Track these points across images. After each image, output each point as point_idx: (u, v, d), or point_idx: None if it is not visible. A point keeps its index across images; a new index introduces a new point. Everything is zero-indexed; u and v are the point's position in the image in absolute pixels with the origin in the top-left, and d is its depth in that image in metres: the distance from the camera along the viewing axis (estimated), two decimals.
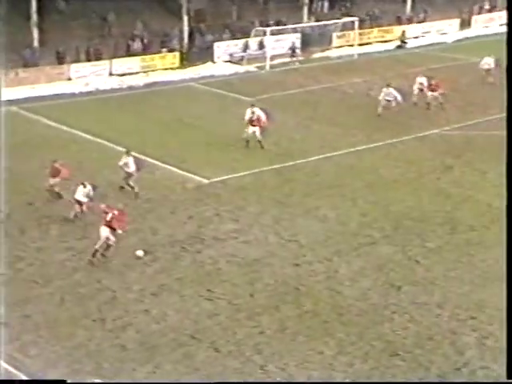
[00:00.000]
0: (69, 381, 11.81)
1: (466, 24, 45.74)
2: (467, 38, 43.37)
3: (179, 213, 18.92)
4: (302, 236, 17.78)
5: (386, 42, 41.77)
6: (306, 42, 39.19)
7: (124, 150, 20.35)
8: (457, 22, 45.26)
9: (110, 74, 32.91)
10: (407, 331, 13.96)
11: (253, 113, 23.28)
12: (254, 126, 23.22)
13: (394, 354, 13.18)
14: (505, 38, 42.14)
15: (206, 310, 14.66)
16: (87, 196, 18.09)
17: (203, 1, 39.32)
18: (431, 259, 16.63)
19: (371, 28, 42.19)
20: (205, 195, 20.09)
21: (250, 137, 23.23)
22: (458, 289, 15.39)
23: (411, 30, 43.13)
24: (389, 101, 26.28)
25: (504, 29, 44.75)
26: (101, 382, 12.23)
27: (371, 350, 13.35)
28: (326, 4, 44.21)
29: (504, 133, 24.27)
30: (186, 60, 35.12)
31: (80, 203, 18.06)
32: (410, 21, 44.30)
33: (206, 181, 20.99)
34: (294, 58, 36.47)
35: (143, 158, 22.12)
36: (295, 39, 38.59)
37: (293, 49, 37.12)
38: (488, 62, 31.10)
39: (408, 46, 41.33)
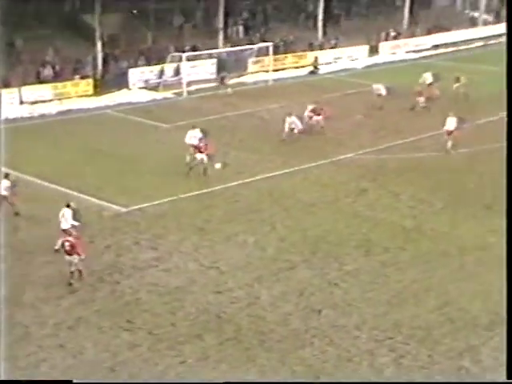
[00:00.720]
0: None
1: (374, 50, 47.49)
2: (376, 64, 44.97)
3: (96, 242, 18.54)
4: (222, 262, 17.77)
5: (299, 67, 42.72)
6: (222, 68, 39.51)
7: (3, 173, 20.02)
8: (366, 48, 46.89)
9: (21, 103, 32.02)
10: (327, 354, 14.14)
11: (200, 139, 23.37)
12: (201, 152, 23.18)
13: (315, 378, 13.28)
14: (410, 64, 44.45)
15: (125, 342, 14.36)
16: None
17: (117, 26, 39.01)
18: (349, 282, 16.95)
19: (285, 54, 43.07)
20: (123, 224, 19.78)
21: (194, 163, 23.10)
22: (374, 310, 15.73)
23: (323, 56, 44.30)
24: (292, 129, 27.11)
25: (410, 56, 47.29)
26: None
27: (293, 375, 13.42)
28: (241, 29, 44.83)
29: (415, 155, 25.64)
30: (100, 87, 34.63)
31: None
32: (322, 47, 45.55)
33: (123, 209, 20.69)
34: (223, 86, 36.45)
35: (57, 188, 21.60)
36: (220, 66, 38.89)
37: (222, 77, 37.10)
38: (378, 88, 32.28)
39: (320, 71, 42.41)
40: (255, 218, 20.46)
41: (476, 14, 56.85)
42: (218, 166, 20.65)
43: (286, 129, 27.02)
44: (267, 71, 39.84)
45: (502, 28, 55.17)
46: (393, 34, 49.60)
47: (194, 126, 24.42)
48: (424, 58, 47.01)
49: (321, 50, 45.07)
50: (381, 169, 24.79)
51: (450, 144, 25.95)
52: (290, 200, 21.81)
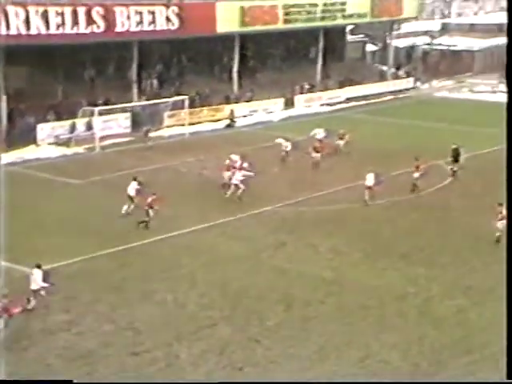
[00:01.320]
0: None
1: (289, 103, 48.71)
2: (291, 117, 46.07)
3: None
4: (139, 322, 17.33)
5: (216, 120, 43.20)
6: (137, 122, 39.36)
7: None
8: (281, 101, 48.04)
9: None
10: None
11: (138, 191, 24.44)
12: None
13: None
14: (325, 116, 45.89)
15: None
16: None
17: (23, 79, 38.19)
18: (270, 338, 16.87)
19: (201, 107, 43.49)
20: None
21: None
22: (296, 366, 15.67)
23: (239, 108, 45.03)
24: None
25: (324, 108, 48.78)
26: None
27: None
28: (156, 82, 44.95)
29: (331, 207, 26.17)
30: (5, 143, 33.63)
31: None
32: (238, 100, 46.31)
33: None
34: (147, 139, 36.19)
35: None
36: (135, 120, 38.70)
37: (146, 130, 36.84)
38: (285, 145, 33.00)
39: (237, 124, 43.01)
40: (174, 275, 20.17)
41: (385, 68, 59.52)
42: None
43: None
44: (183, 125, 40.04)
45: (409, 82, 58.28)
46: (307, 86, 51.12)
47: (135, 178, 25.38)
48: (337, 110, 48.61)
49: (237, 102, 45.82)
50: (299, 221, 25.11)
51: (367, 196, 26.67)
52: (209, 255, 21.67)
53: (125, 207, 24.70)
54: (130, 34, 39.37)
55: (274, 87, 48.18)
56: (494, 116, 44.54)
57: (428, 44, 67.95)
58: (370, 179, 26.91)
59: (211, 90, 45.61)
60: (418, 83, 59.47)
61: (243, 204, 26.33)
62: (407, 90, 57.25)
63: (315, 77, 52.83)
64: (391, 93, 55.08)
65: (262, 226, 24.51)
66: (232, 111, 43.86)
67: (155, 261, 21.28)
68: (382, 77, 57.86)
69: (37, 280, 17.67)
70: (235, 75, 47.36)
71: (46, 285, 17.67)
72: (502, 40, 69.92)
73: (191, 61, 47.94)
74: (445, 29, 71.69)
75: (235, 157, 29.02)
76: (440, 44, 67.89)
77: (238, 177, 27.01)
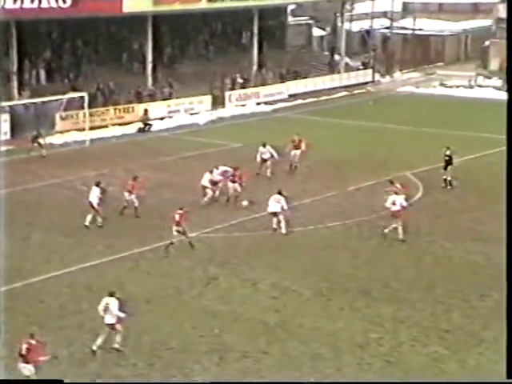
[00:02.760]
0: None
1: (219, 102, 48.85)
2: (222, 119, 46.26)
3: None
4: None
5: (125, 124, 42.90)
6: (19, 125, 38.17)
7: None
8: (208, 99, 48.15)
9: None
10: None
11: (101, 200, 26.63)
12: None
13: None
14: (263, 118, 46.28)
15: None
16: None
17: None
18: None
19: (106, 107, 43.09)
20: None
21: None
22: None
23: (155, 108, 44.89)
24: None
25: (261, 108, 49.19)
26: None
27: None
28: (43, 74, 44.00)
29: (273, 233, 26.23)
30: None
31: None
32: (152, 97, 46.09)
33: None
34: (37, 147, 35.38)
35: None
36: (16, 123, 37.68)
37: (35, 136, 35.93)
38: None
39: (152, 129, 42.80)
40: (69, 324, 19.75)
41: (336, 58, 60.46)
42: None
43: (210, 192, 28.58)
44: (82, 129, 39.50)
45: (366, 75, 59.30)
46: (240, 80, 51.44)
47: (97, 183, 27.21)
48: (279, 110, 49.12)
49: (152, 101, 45.69)
50: (233, 250, 25.08)
51: (275, 224, 26.59)
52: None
53: (88, 217, 26.47)
54: (5, 13, 38.29)
55: (198, 81, 48.23)
56: (472, 117, 46.05)
57: (388, 28, 69.44)
58: (272, 205, 26.63)
59: (117, 84, 45.16)
60: (378, 76, 60.67)
61: (162, 230, 26.14)
62: (364, 84, 58.32)
63: (250, 68, 53.25)
64: (345, 88, 56.02)
65: (186, 257, 24.37)
66: (146, 112, 43.66)
67: (45, 305, 20.86)
68: (333, 68, 58.76)
69: (112, 311, 18.48)
70: (149, 66, 47.14)
71: (122, 315, 18.52)
72: (478, 22, 72.54)
73: (90, 47, 47.34)
74: (407, 9, 73.52)
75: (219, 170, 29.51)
76: (402, 28, 69.55)
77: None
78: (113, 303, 18.63)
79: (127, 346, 18.65)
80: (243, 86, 51.25)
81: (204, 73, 49.46)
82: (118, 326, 18.55)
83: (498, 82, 56.19)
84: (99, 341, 18.43)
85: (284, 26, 60.36)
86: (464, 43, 72.22)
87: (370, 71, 60.01)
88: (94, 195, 26.85)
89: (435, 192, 30.38)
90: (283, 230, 26.53)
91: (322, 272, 23.33)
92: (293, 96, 52.54)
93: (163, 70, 48.65)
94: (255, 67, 53.50)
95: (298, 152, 33.84)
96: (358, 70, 59.90)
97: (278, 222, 26.58)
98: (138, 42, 48.32)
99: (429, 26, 70.57)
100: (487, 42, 62.76)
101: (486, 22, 68.84)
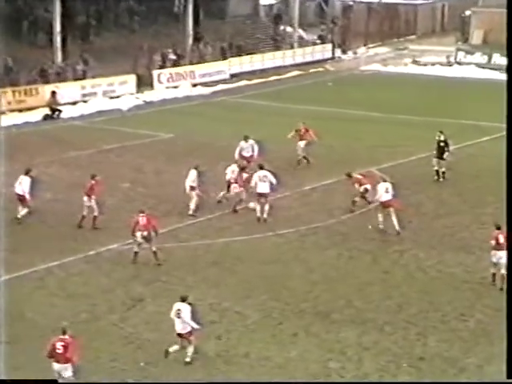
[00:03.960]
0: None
1: (146, 83, 48.65)
2: (150, 104, 46.02)
3: None
4: None
5: (27, 110, 42.44)
6: None
7: None
8: (133, 79, 47.93)
9: None
10: None
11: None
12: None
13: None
14: (200, 102, 46.26)
15: None
16: None
17: None
18: None
19: (2, 88, 42.47)
20: None
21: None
22: None
23: (66, 90, 44.44)
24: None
25: (199, 90, 49.21)
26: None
27: None
28: None
29: (213, 241, 26.17)
30: None
31: None
32: (62, 77, 45.64)
33: None
34: None
35: None
36: None
37: None
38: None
39: (62, 115, 42.41)
40: None
41: (288, 30, 60.71)
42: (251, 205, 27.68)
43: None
44: None
45: (325, 51, 59.62)
46: (172, 57, 51.36)
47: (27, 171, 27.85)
48: (220, 93, 49.12)
49: (61, 81, 45.26)
50: (164, 263, 24.94)
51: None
52: (18, 323, 21.03)
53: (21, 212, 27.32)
54: None
55: (119, 57, 47.96)
56: (451, 100, 46.56)
57: None
58: (261, 185, 27.94)
59: (17, 60, 44.57)
60: (338, 52, 61.07)
61: (75, 240, 25.90)
62: (322, 62, 58.64)
63: (184, 42, 53.18)
64: (299, 67, 56.24)
65: (104, 275, 24.19)
66: (53, 94, 43.24)
67: None
68: (285, 43, 59.00)
69: (185, 319, 19.40)
70: (57, 38, 46.58)
71: (195, 325, 19.46)
72: None
73: None
74: None
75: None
76: None
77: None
78: (185, 310, 19.47)
79: None
80: (176, 64, 51.17)
81: (127, 47, 49.27)
82: (192, 338, 19.41)
83: (481, 58, 57.02)
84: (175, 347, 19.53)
85: None
86: (440, 13, 73.12)
87: (328, 46, 60.43)
88: (26, 185, 27.42)
89: (406, 192, 30.59)
90: (265, 215, 27.93)
91: (270, 290, 23.29)
92: (236, 76, 52.63)
93: (75, 43, 48.25)
94: (190, 41, 53.44)
95: (302, 143, 34.10)
96: (315, 44, 60.20)
97: (263, 206, 27.76)
98: (43, 8, 47.79)
99: None
100: (468, 12, 63.60)
101: None
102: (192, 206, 28.72)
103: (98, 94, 46.11)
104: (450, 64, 57.60)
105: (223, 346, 20.39)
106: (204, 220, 28.37)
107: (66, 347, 17.78)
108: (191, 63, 52.03)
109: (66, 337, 17.96)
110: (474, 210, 29.37)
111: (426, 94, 48.46)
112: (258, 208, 28.27)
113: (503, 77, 53.34)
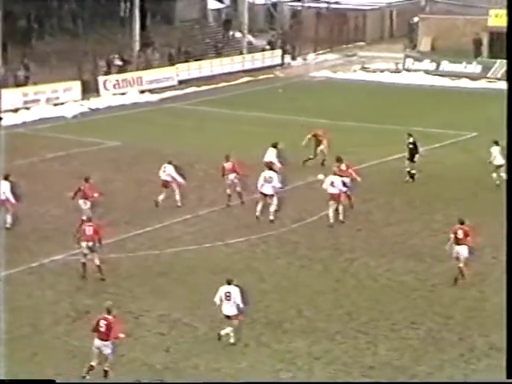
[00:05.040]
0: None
1: (91, 89, 48.38)
2: (96, 111, 45.77)
3: None
4: None
5: None
6: None
7: None
8: (77, 85, 47.64)
9: None
10: None
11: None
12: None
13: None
14: (148, 109, 46.02)
15: None
16: None
17: None
18: None
19: None
20: None
21: None
22: None
23: (6, 97, 43.91)
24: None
25: (146, 97, 49.09)
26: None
27: None
28: None
29: (163, 251, 26.08)
30: None
31: None
32: (2, 83, 45.07)
33: None
34: None
35: None
36: None
37: None
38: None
39: (3, 123, 41.91)
40: None
41: (238, 35, 60.83)
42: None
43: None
44: None
45: (275, 57, 59.79)
46: (118, 62, 51.13)
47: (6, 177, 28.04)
48: (168, 100, 49.03)
49: (1, 87, 44.63)
50: (110, 275, 24.80)
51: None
52: None
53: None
54: None
55: (63, 63, 47.61)
56: (400, 107, 46.93)
57: (298, 0, 70.30)
58: (265, 186, 28.97)
59: None
60: (288, 58, 61.27)
61: (14, 252, 25.60)
62: (272, 68, 58.78)
63: (130, 47, 52.97)
64: (248, 73, 56.34)
65: (49, 286, 24.01)
66: None
67: None
68: (234, 48, 59.07)
69: (236, 300, 20.87)
70: None
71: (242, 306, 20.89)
72: None
73: None
74: None
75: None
76: (316, 1, 70.51)
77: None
78: (234, 292, 20.85)
79: None
80: (122, 70, 50.96)
81: (71, 52, 48.89)
82: (241, 317, 20.90)
83: (429, 65, 57.56)
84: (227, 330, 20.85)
85: None
86: (389, 19, 73.69)
87: (278, 52, 60.58)
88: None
89: (357, 200, 30.79)
90: (271, 217, 28.80)
91: (208, 304, 23.22)
92: (184, 82, 52.58)
93: (16, 48, 47.74)
94: (137, 46, 53.24)
95: (322, 147, 34.72)
96: (264, 50, 60.33)
97: (264, 206, 28.75)
98: None
99: None
100: (416, 19, 64.22)
101: None
102: (178, 197, 29.81)
103: (42, 101, 45.76)
104: (398, 71, 58.06)
105: (172, 358, 20.33)
106: (152, 230, 28.29)
107: (108, 326, 19.07)
108: (138, 69, 51.87)
109: (110, 316, 19.23)
110: (424, 216, 29.63)
111: (375, 100, 48.81)
112: (259, 208, 29.04)
113: (452, 83, 54.57)
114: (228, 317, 20.87)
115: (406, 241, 27.70)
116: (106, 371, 19.26)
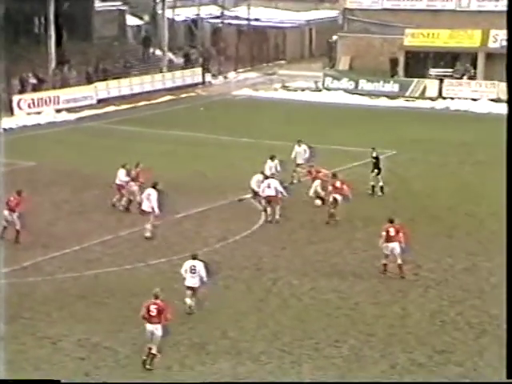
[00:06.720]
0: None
1: (4, 108, 47.66)
2: (9, 131, 44.90)
3: None
4: None
5: None
6: None
7: None
8: None
9: None
10: None
11: None
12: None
13: None
14: (66, 129, 45.37)
15: None
16: None
17: None
18: None
19: None
20: None
21: None
22: None
23: None
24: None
25: (64, 116, 48.62)
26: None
27: None
28: None
29: (83, 273, 25.78)
30: None
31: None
32: None
33: None
34: None
35: None
36: None
37: None
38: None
39: None
40: None
41: (157, 53, 60.73)
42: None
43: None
44: None
45: (195, 75, 59.73)
46: (33, 81, 50.56)
47: None
48: (85, 119, 48.68)
49: None
50: (26, 300, 24.49)
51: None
52: None
53: None
54: None
55: None
56: (320, 126, 47.19)
57: (218, 17, 70.50)
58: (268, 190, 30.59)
59: None
60: (209, 76, 61.32)
61: None
62: (193, 86, 58.77)
63: (46, 65, 52.40)
64: (169, 91, 56.24)
65: None
66: None
67: None
68: (154, 66, 58.92)
69: (201, 273, 23.24)
70: None
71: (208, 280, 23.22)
72: (325, 13, 74.67)
73: None
74: None
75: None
76: (236, 17, 70.79)
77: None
78: (199, 265, 23.21)
79: None
80: (37, 89, 50.41)
81: None
82: (203, 289, 23.34)
83: (348, 83, 58.09)
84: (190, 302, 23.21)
85: (90, 11, 60.01)
86: (308, 37, 74.28)
87: (198, 70, 60.57)
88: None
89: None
90: (276, 216, 30.48)
91: (143, 323, 23.10)
92: (103, 101, 52.26)
93: None
94: (53, 64, 52.69)
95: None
96: (185, 68, 60.30)
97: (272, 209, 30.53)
98: None
99: (266, 15, 72.20)
100: (334, 37, 64.85)
101: (331, 13, 71.29)
102: (123, 203, 31.19)
103: None
104: (318, 89, 58.46)
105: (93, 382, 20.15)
106: (70, 252, 27.97)
107: (159, 310, 20.64)
108: (54, 88, 51.34)
109: (158, 301, 20.76)
110: (345, 235, 29.84)
111: (296, 119, 48.97)
112: (268, 212, 30.68)
113: (370, 102, 55.12)
114: (192, 288, 23.23)
115: (329, 259, 27.84)
116: (153, 355, 20.59)
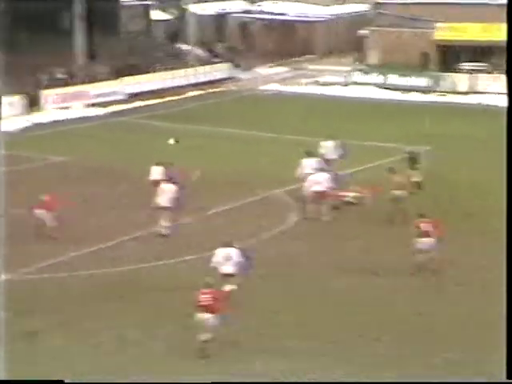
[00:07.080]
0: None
1: (34, 103, 47.77)
2: (39, 126, 45.09)
3: None
4: None
5: None
6: None
7: None
8: (19, 99, 46.93)
9: None
10: None
11: None
12: None
13: None
14: (96, 124, 45.31)
15: None
16: None
17: None
18: None
19: None
20: None
21: None
22: None
23: None
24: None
25: (93, 111, 48.60)
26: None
27: None
28: None
29: (105, 270, 25.67)
30: None
31: None
32: None
33: None
34: None
35: None
36: None
37: None
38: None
39: None
40: None
41: (184, 48, 60.59)
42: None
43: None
44: None
45: (223, 70, 59.56)
46: (61, 76, 50.53)
47: None
48: (116, 114, 48.69)
49: None
50: (61, 295, 24.44)
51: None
52: None
53: None
54: None
55: (3, 77, 46.79)
56: (351, 121, 46.87)
57: (246, 12, 70.28)
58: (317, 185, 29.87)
59: None
60: (237, 71, 61.10)
61: None
62: (221, 81, 58.60)
63: (74, 60, 52.38)
64: (196, 86, 56.08)
65: None
66: None
67: None
68: (181, 61, 58.80)
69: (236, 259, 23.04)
70: None
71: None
72: (353, 7, 74.21)
73: None
74: None
75: None
76: (263, 12, 70.55)
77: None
78: (234, 252, 22.97)
79: None
80: (66, 84, 50.42)
81: (12, 66, 48.03)
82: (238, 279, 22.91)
83: (377, 78, 57.76)
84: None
85: (117, 6, 60.00)
86: (337, 32, 73.82)
87: (227, 65, 60.39)
88: None
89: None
90: (327, 217, 29.88)
91: (181, 318, 22.88)
92: (132, 96, 52.25)
93: None
94: (81, 59, 52.70)
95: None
96: (213, 63, 60.16)
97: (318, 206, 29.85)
98: None
99: (295, 9, 71.88)
100: (364, 31, 64.43)
101: (362, 7, 70.87)
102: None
103: None
104: (347, 84, 58.17)
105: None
106: (103, 247, 27.83)
107: (214, 299, 20.51)
108: (83, 83, 51.33)
109: (213, 290, 20.65)
110: (381, 231, 29.39)
111: (326, 114, 48.71)
112: (311, 208, 30.17)
113: (401, 97, 54.76)
114: (228, 276, 22.90)
115: (365, 256, 27.34)
116: (205, 344, 20.50)
